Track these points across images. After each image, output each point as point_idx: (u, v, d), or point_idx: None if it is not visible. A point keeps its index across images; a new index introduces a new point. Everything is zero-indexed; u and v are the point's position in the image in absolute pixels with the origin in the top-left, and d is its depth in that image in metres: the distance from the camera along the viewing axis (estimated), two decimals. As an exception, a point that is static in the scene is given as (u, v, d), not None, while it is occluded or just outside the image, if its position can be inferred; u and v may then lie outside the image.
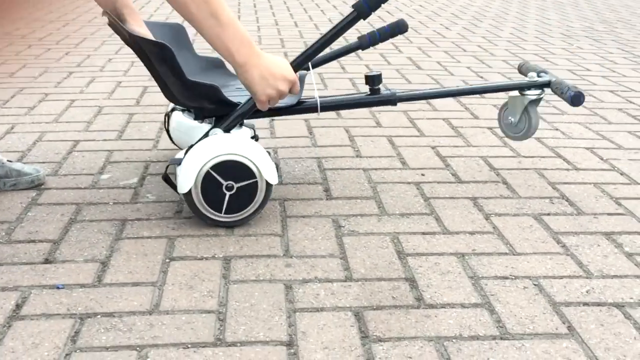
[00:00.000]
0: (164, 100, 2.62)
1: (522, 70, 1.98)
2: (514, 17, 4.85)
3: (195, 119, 1.75)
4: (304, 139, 2.22)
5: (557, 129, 2.36)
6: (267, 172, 1.58)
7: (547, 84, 1.83)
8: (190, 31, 1.99)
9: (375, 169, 1.97)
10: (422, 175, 1.93)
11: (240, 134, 1.66)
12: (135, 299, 1.31)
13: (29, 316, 1.24)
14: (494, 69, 3.25)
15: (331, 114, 2.48)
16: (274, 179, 1.59)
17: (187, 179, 1.55)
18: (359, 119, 2.41)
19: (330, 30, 1.65)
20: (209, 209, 1.57)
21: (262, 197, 1.60)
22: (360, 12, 1.65)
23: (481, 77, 3.07)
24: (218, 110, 1.66)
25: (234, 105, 1.66)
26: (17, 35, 3.86)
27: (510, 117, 1.90)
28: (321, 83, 2.91)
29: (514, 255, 1.50)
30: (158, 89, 2.78)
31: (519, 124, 1.89)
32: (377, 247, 1.53)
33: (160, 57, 1.54)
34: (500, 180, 1.91)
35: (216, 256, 1.48)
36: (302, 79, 1.86)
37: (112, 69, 3.12)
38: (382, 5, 1.74)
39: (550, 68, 3.29)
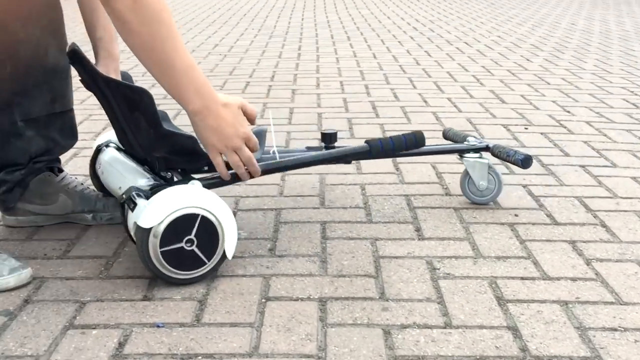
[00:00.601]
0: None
1: (449, 135, 2.06)
2: (596, 49, 4.74)
3: (158, 171, 1.60)
4: (391, 175, 2.20)
5: (653, 168, 2.28)
6: (229, 245, 1.50)
7: (487, 148, 1.93)
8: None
9: (466, 209, 1.93)
10: (516, 215, 1.88)
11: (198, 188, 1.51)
12: (234, 340, 1.30)
13: (132, 355, 1.25)
14: (581, 102, 3.17)
15: (417, 149, 2.45)
16: (230, 253, 1.51)
17: (156, 214, 1.42)
18: (445, 155, 2.38)
19: (332, 152, 1.61)
20: (160, 254, 1.44)
21: (209, 269, 1.50)
22: (373, 150, 1.63)
23: (568, 112, 3.00)
24: (186, 163, 1.57)
25: (206, 157, 1.56)
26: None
27: (481, 182, 1.93)
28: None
29: (621, 304, 1.43)
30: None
31: (489, 185, 1.94)
32: (475, 292, 1.49)
33: (137, 104, 1.46)
34: (598, 222, 1.84)
35: (311, 297, 1.46)
36: (262, 135, 1.74)
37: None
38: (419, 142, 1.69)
39: (640, 102, 3.19)
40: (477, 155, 1.93)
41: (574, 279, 1.54)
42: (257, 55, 4.41)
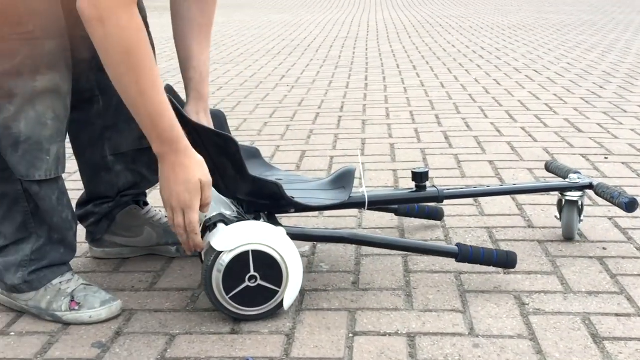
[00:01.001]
0: (324, 166, 2.65)
1: (551, 168, 2.02)
2: (671, 74, 4.61)
3: (246, 213, 1.61)
4: (470, 207, 2.17)
5: None
6: (289, 295, 1.49)
7: (590, 186, 1.86)
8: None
9: (551, 241, 1.89)
10: (604, 249, 1.83)
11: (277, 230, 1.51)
12: (325, 376, 1.29)
13: (224, 390, 1.26)
14: (661, 131, 3.08)
15: (494, 178, 2.42)
16: (287, 305, 1.50)
17: (231, 240, 1.44)
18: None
19: (421, 244, 1.62)
20: (221, 282, 1.45)
21: (265, 311, 1.49)
22: (461, 254, 1.61)
23: (648, 141, 2.92)
24: (272, 207, 1.58)
25: (292, 202, 1.57)
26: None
27: (582, 217, 1.91)
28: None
29: None
30: (319, 152, 2.83)
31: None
32: (569, 328, 1.44)
33: (222, 149, 1.48)
34: (692, 256, 1.77)
35: (399, 332, 1.44)
36: (350, 174, 1.74)
37: (269, 132, 3.21)
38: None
39: None
40: (580, 193, 1.85)
41: (672, 317, 1.48)
42: (324, 86, 4.44)
